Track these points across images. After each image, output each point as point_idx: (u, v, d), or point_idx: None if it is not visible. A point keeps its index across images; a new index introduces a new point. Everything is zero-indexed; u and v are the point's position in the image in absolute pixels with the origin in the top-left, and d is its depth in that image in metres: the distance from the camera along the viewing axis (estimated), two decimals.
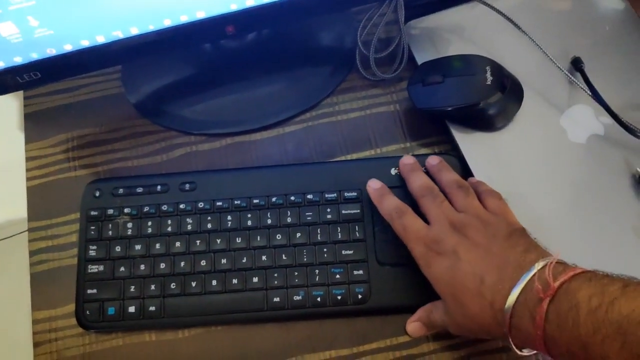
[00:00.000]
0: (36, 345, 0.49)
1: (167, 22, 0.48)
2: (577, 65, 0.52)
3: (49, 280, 0.51)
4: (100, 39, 0.47)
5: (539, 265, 0.36)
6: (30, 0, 0.42)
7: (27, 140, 0.56)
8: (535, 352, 0.38)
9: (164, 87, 0.58)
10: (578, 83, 0.51)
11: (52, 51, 0.48)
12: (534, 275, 0.36)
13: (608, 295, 0.33)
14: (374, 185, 0.48)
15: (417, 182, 0.46)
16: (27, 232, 0.53)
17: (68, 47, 0.48)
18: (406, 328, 0.47)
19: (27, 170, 0.55)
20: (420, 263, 0.43)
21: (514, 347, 0.38)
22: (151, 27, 0.48)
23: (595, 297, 0.33)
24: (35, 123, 0.56)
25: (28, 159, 0.55)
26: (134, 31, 0.48)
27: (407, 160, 0.49)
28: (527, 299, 0.35)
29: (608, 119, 0.50)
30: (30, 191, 0.54)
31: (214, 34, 0.50)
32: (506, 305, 0.36)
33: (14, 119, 0.60)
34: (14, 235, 1.20)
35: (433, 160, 0.48)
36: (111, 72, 0.58)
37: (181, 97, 0.57)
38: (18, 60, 0.47)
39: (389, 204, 0.46)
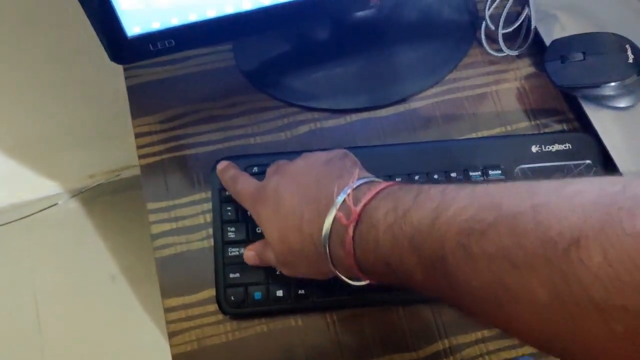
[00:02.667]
0: (172, 334, 0.46)
1: None
2: None
3: (177, 265, 0.48)
4: (247, 6, 0.44)
5: (348, 190, 0.34)
6: None
7: (134, 116, 0.52)
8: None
9: (280, 60, 0.55)
10: None
11: (193, 17, 0.44)
12: (341, 203, 0.34)
13: (402, 208, 0.31)
14: (220, 166, 0.46)
15: (239, 184, 0.44)
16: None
17: (211, 13, 0.44)
18: (244, 254, 0.44)
19: (138, 147, 0.51)
20: (255, 219, 0.41)
21: (343, 278, 0.37)
22: None
23: (391, 213, 0.32)
24: (140, 97, 0.52)
25: (137, 135, 0.51)
26: None
27: (222, 165, 0.47)
28: (337, 228, 0.34)
29: None
30: (145, 170, 0.50)
31: (358, 3, 0.48)
32: (322, 237, 0.35)
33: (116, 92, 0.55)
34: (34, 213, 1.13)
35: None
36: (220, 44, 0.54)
37: (299, 70, 0.54)
38: (156, 26, 0.44)
39: (224, 175, 0.45)
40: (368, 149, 0.50)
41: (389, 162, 0.49)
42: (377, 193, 0.33)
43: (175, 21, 0.44)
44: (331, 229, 0.34)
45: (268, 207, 0.39)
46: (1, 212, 1.11)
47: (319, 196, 0.36)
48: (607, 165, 0.50)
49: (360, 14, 0.54)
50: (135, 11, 0.42)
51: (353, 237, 0.33)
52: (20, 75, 0.80)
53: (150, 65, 0.53)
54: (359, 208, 0.33)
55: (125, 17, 0.42)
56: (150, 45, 0.45)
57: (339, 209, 0.34)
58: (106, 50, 0.44)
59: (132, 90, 0.52)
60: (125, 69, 0.53)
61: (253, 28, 0.46)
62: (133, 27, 0.43)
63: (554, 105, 0.54)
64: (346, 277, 0.37)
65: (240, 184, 0.43)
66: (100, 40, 0.43)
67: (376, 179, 0.36)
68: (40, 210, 1.13)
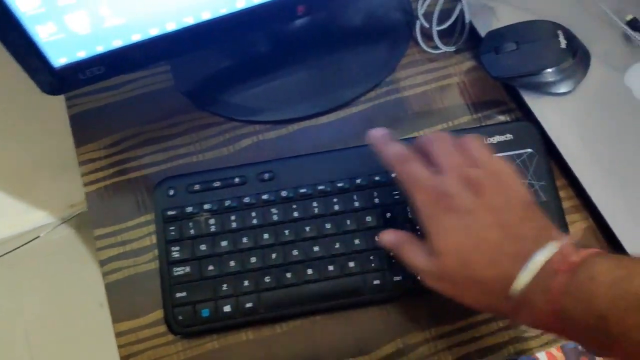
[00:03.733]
0: (124, 358, 0.46)
1: (240, 4, 0.45)
2: (634, 25, 0.53)
3: (127, 289, 0.48)
4: (171, 27, 0.45)
5: (557, 242, 0.35)
6: None
7: (78, 144, 0.52)
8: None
9: (218, 76, 0.55)
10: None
11: (118, 43, 0.44)
12: (552, 251, 0.34)
13: (627, 269, 0.32)
14: (376, 132, 0.43)
15: (423, 137, 0.42)
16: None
17: (136, 37, 0.44)
18: (380, 234, 0.43)
19: (83, 175, 0.51)
20: (423, 217, 0.38)
21: (517, 319, 0.36)
22: (223, 11, 0.45)
23: (615, 270, 0.32)
24: (82, 125, 0.53)
25: (81, 163, 0.51)
26: (205, 16, 0.45)
27: (378, 132, 0.44)
28: (543, 274, 0.34)
29: None
30: (90, 197, 0.50)
31: (285, 15, 0.48)
32: (522, 279, 0.34)
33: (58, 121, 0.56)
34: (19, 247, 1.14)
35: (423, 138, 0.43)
36: (158, 65, 0.55)
37: (238, 85, 0.54)
38: (82, 54, 0.44)
39: (393, 147, 0.42)
40: (306, 157, 0.50)
41: (329, 168, 0.49)
42: (593, 253, 0.34)
43: (100, 48, 0.44)
44: (534, 275, 0.34)
45: (453, 220, 0.37)
46: None
47: (523, 237, 0.36)
48: (550, 152, 0.50)
49: (294, 23, 0.54)
50: (57, 42, 0.42)
51: (563, 285, 0.33)
52: None
53: (91, 92, 0.54)
54: (575, 259, 0.33)
55: (49, 48, 0.42)
56: (80, 74, 0.45)
57: (552, 256, 0.34)
58: (36, 83, 0.45)
59: (74, 119, 0.53)
60: (67, 98, 0.53)
61: (181, 48, 0.47)
62: (59, 58, 0.43)
63: (495, 97, 0.54)
64: (521, 320, 0.36)
65: (413, 167, 0.40)
66: (28, 74, 0.44)
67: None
68: (24, 244, 1.13)
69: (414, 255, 0.40)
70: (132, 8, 0.42)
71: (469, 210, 0.37)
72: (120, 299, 0.47)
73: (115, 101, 0.53)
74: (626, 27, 0.52)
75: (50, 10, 0.39)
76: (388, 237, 0.43)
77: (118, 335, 0.47)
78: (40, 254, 1.15)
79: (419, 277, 0.40)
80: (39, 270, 1.16)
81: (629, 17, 0.54)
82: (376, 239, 0.44)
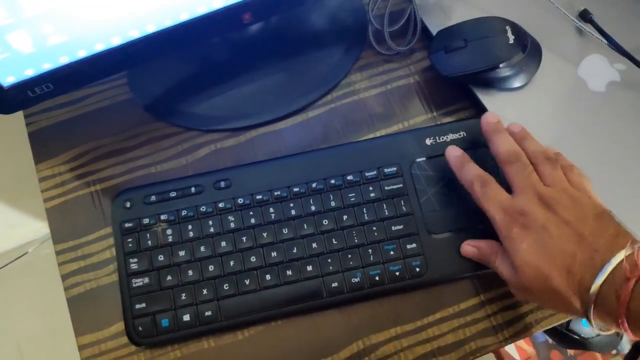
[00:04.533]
0: None
1: (184, 16, 0.46)
2: (585, 16, 0.54)
3: (88, 302, 0.48)
4: (116, 41, 0.45)
5: (629, 249, 0.36)
6: (46, 5, 0.40)
7: (37, 161, 0.52)
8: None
9: (175, 87, 0.55)
10: (591, 32, 0.52)
11: (65, 59, 0.45)
12: (623, 257, 0.36)
13: None
14: (453, 153, 0.47)
15: (505, 145, 0.44)
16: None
17: (82, 54, 0.45)
18: (461, 246, 0.47)
19: (43, 191, 0.51)
20: (501, 232, 0.42)
21: (593, 321, 0.38)
22: (168, 23, 0.46)
23: None
24: (41, 141, 0.53)
25: (41, 180, 0.52)
26: (150, 29, 0.45)
27: (491, 118, 0.46)
28: (614, 279, 0.36)
29: (622, 65, 0.52)
30: (50, 213, 0.51)
31: (231, 24, 0.48)
32: (594, 284, 0.36)
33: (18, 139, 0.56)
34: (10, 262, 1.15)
35: (515, 127, 0.46)
36: (116, 79, 0.55)
37: (195, 95, 0.55)
38: (29, 72, 0.44)
39: (470, 170, 0.45)
40: (263, 164, 0.50)
41: (285, 173, 0.49)
42: None
43: (47, 66, 0.45)
44: (605, 279, 0.36)
45: (529, 236, 0.40)
46: None
47: (596, 246, 0.38)
48: None
49: (248, 31, 0.55)
50: (2, 61, 0.43)
51: (632, 290, 0.35)
52: None
53: (49, 109, 0.54)
54: None
55: None
56: (29, 92, 0.45)
57: (624, 261, 0.36)
58: None
59: (33, 136, 0.53)
60: (25, 116, 0.54)
61: (128, 61, 0.47)
62: (6, 77, 0.44)
63: (451, 96, 0.54)
64: (597, 323, 0.38)
65: (491, 189, 0.43)
66: None
67: None
68: (12, 261, 1.14)
69: (501, 267, 0.43)
70: (73, 25, 0.42)
71: (543, 226, 0.40)
72: (83, 313, 0.48)
73: (74, 116, 0.54)
74: (576, 20, 0.52)
75: None
76: (471, 249, 0.46)
77: (81, 348, 0.47)
78: (30, 269, 1.16)
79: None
80: (30, 286, 1.16)
81: (580, 9, 0.54)
82: (461, 250, 0.47)
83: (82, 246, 0.50)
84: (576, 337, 0.78)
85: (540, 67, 0.52)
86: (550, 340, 0.75)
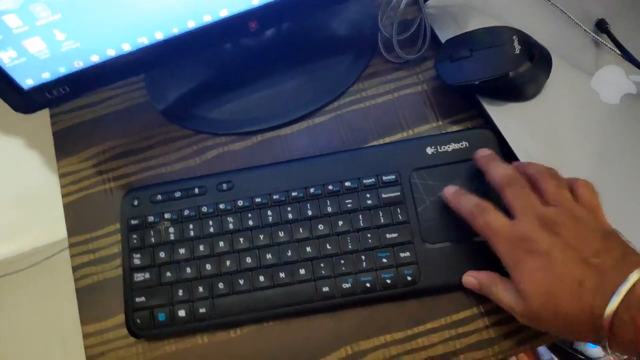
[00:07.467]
0: (89, 359, 0.49)
1: (191, 24, 0.48)
2: (602, 26, 0.52)
3: (95, 294, 0.51)
4: (126, 47, 0.47)
5: (639, 272, 0.35)
6: (56, 14, 0.42)
7: (59, 158, 0.56)
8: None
9: (189, 92, 0.58)
10: (606, 44, 0.50)
11: (79, 64, 0.48)
12: (636, 281, 0.35)
13: None
14: (449, 191, 0.46)
15: (500, 170, 0.44)
16: (67, 250, 0.53)
17: (95, 59, 0.48)
18: (463, 277, 0.46)
19: (62, 187, 0.55)
20: (505, 260, 0.40)
21: (608, 350, 0.36)
22: (175, 31, 0.48)
23: None
24: (64, 140, 0.57)
25: (61, 176, 0.55)
26: (159, 36, 0.48)
27: (484, 151, 0.47)
28: (629, 306, 0.34)
29: (638, 77, 0.50)
30: (67, 207, 0.54)
31: (237, 32, 0.50)
32: (606, 312, 0.35)
33: (44, 139, 0.60)
34: (54, 254, 1.21)
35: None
36: (135, 82, 0.58)
37: (207, 100, 0.57)
38: (46, 76, 0.48)
39: (468, 201, 0.44)
40: (264, 168, 0.52)
41: (285, 178, 0.51)
42: None
43: (63, 70, 0.48)
44: (618, 306, 0.35)
45: (534, 262, 0.39)
46: (26, 256, 1.20)
47: (603, 269, 0.36)
48: (509, 159, 0.49)
49: (260, 38, 0.56)
50: (20, 65, 0.46)
51: None
52: None
53: (73, 109, 0.57)
54: None
55: (14, 72, 0.46)
56: (47, 94, 0.49)
57: (636, 286, 0.35)
58: (8, 104, 0.49)
59: (57, 135, 0.57)
60: (51, 116, 0.58)
61: (139, 67, 0.50)
62: (25, 79, 0.47)
63: (457, 105, 0.54)
64: (613, 350, 0.37)
65: (490, 217, 0.42)
66: (1, 97, 0.48)
67: None
68: (55, 254, 1.20)
69: (503, 296, 0.42)
70: (84, 32, 0.45)
71: (547, 251, 0.38)
72: (89, 303, 0.51)
73: (94, 117, 0.57)
74: (589, 31, 0.50)
75: (7, 38, 0.43)
76: (471, 280, 0.46)
77: (86, 336, 0.50)
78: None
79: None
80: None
81: (596, 19, 0.53)
82: (462, 281, 0.46)
83: (93, 240, 0.52)
84: (581, 357, 0.74)
85: (550, 77, 0.51)
86: (555, 358, 0.73)
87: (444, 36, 0.54)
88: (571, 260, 0.38)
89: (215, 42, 0.50)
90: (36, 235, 1.16)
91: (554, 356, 0.77)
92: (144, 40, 0.48)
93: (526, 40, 0.50)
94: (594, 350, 0.75)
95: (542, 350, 0.78)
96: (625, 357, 0.38)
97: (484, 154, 0.47)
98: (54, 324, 1.20)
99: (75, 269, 0.52)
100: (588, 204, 0.41)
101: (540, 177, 0.43)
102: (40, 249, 1.20)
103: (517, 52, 0.49)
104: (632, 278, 0.35)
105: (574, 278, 0.37)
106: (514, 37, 0.49)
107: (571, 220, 0.39)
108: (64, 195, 0.54)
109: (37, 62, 0.46)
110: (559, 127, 0.50)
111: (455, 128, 0.53)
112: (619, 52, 0.49)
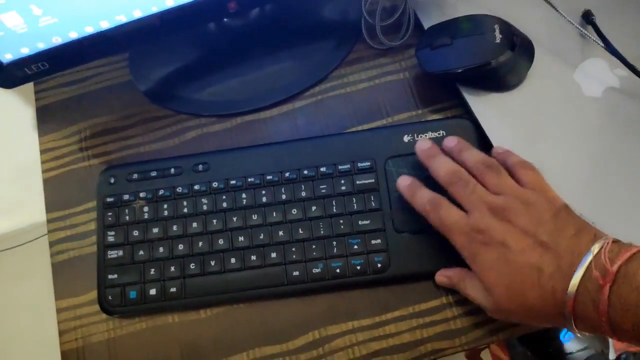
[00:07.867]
0: (62, 333, 0.50)
1: (170, 3, 0.47)
2: (587, 18, 0.51)
3: (70, 269, 0.51)
4: (105, 25, 0.47)
5: (595, 249, 0.35)
6: None
7: (41, 134, 0.56)
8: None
9: (171, 72, 0.58)
10: (590, 36, 0.49)
11: (57, 40, 0.48)
12: (590, 261, 0.34)
13: None
14: (403, 182, 0.46)
15: (442, 168, 0.43)
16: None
17: (73, 35, 0.48)
18: (435, 276, 0.46)
19: (42, 162, 0.55)
20: (464, 255, 0.40)
21: (576, 331, 0.36)
22: (154, 9, 0.48)
23: None
24: (47, 116, 0.57)
25: (42, 152, 0.56)
26: (137, 14, 0.47)
27: (424, 145, 0.46)
28: (587, 286, 0.34)
29: (623, 71, 0.49)
30: (47, 183, 0.54)
31: (216, 12, 0.50)
32: (567, 295, 0.35)
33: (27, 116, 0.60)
34: (37, 238, 1.23)
35: (450, 142, 0.45)
36: (119, 61, 0.58)
37: (189, 81, 0.57)
38: (25, 51, 0.48)
39: (421, 197, 0.44)
40: (241, 150, 0.52)
41: (261, 161, 0.51)
42: (633, 255, 0.34)
43: (41, 45, 0.48)
44: (578, 288, 0.35)
45: (491, 254, 0.39)
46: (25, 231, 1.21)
47: (559, 251, 0.36)
48: (487, 150, 0.49)
49: (242, 19, 0.56)
50: None
51: (609, 297, 0.33)
52: None
53: (58, 86, 0.58)
54: (615, 268, 0.33)
55: None
56: (26, 69, 0.49)
57: (592, 267, 0.34)
58: None
59: (40, 111, 0.57)
60: (35, 92, 0.58)
61: (118, 45, 0.50)
62: (4, 54, 0.48)
63: (438, 94, 0.53)
64: (586, 332, 0.37)
65: (444, 212, 0.42)
66: None
67: (622, 241, 0.36)
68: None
69: (472, 292, 0.42)
70: (62, 8, 0.45)
71: (502, 241, 0.38)
72: (64, 279, 0.51)
73: (78, 94, 0.57)
74: (576, 24, 0.50)
75: None
76: (443, 279, 0.46)
77: (59, 311, 0.50)
78: None
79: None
80: None
81: (583, 10, 0.52)
82: (436, 280, 0.46)
83: (71, 216, 0.53)
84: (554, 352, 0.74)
85: (533, 68, 0.50)
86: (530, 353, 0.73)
87: (428, 23, 0.54)
88: (527, 246, 0.37)
89: (195, 22, 0.50)
90: (33, 211, 1.17)
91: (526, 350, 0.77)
92: (122, 18, 0.48)
93: (508, 29, 0.49)
94: (568, 344, 0.74)
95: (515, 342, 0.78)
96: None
97: (424, 147, 0.46)
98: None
99: (52, 244, 0.52)
100: (533, 184, 0.41)
101: (478, 173, 0.42)
102: (38, 225, 1.21)
103: (498, 40, 0.48)
104: (588, 258, 0.34)
105: (532, 265, 0.37)
106: (495, 25, 0.49)
107: (519, 203, 0.39)
108: (44, 171, 0.55)
109: (14, 36, 0.46)
110: (538, 119, 0.49)
111: (435, 117, 0.53)
112: (603, 45, 0.48)
